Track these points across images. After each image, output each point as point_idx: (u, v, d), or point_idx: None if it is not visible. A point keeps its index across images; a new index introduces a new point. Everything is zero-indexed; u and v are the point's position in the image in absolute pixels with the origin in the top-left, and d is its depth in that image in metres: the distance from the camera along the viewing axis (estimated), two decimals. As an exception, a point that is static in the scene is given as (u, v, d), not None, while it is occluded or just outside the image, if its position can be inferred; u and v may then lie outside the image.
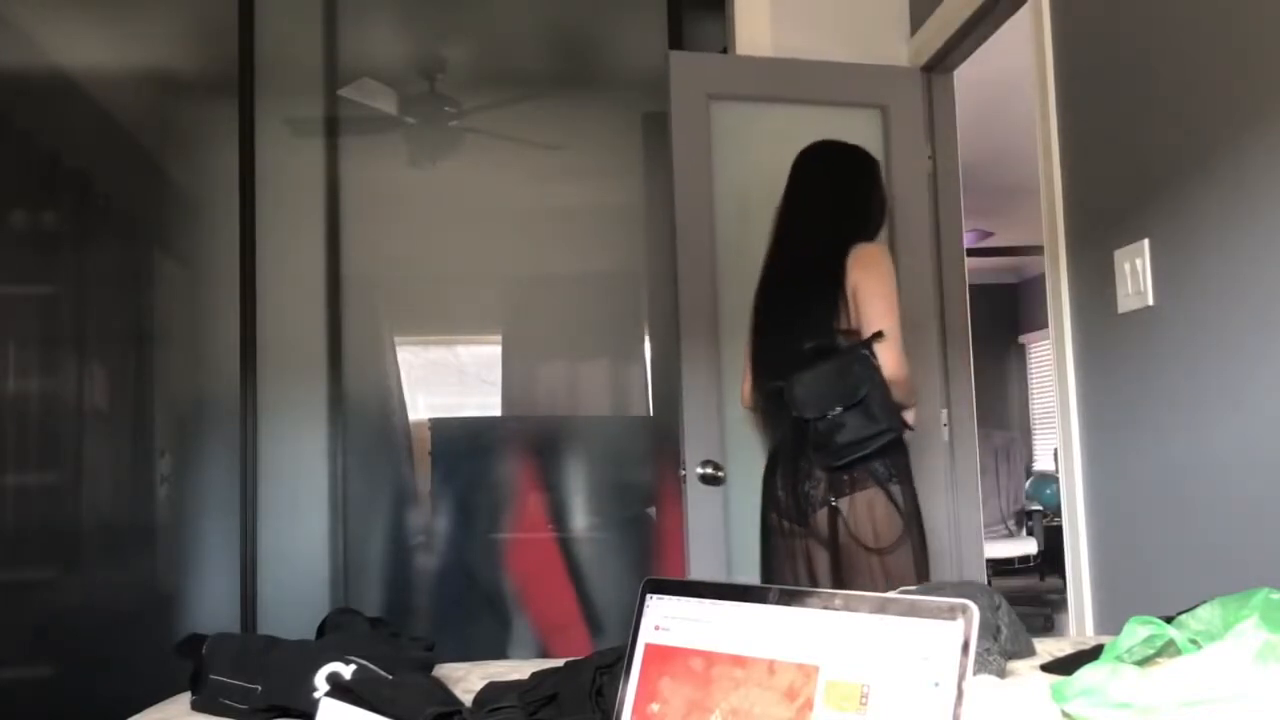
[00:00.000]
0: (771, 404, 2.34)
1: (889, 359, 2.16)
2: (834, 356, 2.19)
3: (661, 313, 3.00)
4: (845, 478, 2.19)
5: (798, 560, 2.27)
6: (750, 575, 2.43)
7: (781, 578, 2.30)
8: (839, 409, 2.15)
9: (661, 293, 2.99)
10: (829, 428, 2.16)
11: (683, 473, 2.61)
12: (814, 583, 2.24)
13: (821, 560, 2.23)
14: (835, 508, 2.18)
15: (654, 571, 2.99)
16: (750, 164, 2.76)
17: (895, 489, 2.19)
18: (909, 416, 2.32)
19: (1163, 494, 1.94)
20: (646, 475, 3.07)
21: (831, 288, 2.23)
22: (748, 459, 2.58)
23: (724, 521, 2.60)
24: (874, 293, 2.21)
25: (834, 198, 2.37)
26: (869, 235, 2.31)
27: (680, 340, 2.65)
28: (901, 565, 2.18)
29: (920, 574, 2.22)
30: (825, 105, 2.87)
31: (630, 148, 3.09)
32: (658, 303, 3.04)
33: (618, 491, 3.06)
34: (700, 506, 2.58)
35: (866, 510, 2.18)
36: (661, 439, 3.01)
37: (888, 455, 2.20)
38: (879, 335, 2.17)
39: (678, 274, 2.68)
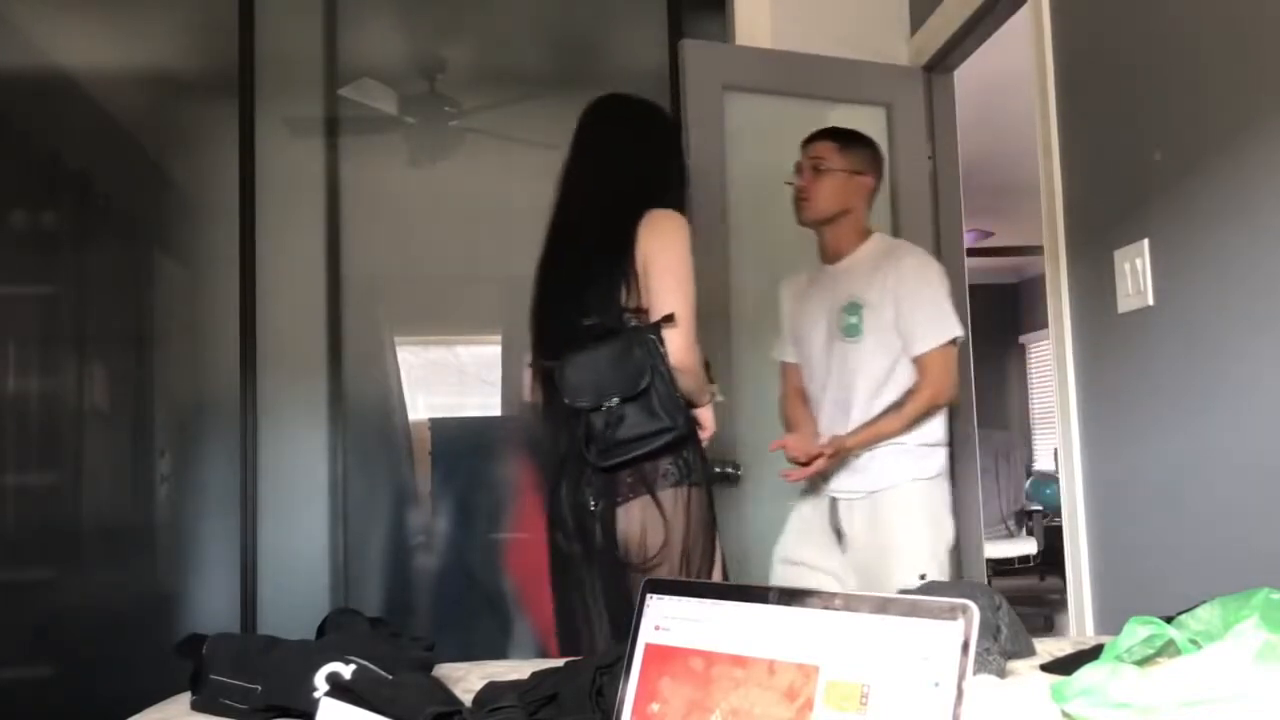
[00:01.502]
0: (552, 392, 2.01)
1: (675, 344, 1.89)
2: (615, 338, 1.91)
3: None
4: (628, 481, 1.92)
5: (585, 589, 1.97)
6: (766, 574, 2.41)
7: (569, 613, 2.00)
8: (616, 400, 1.88)
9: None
10: (605, 421, 1.88)
11: None
12: (603, 617, 1.95)
13: (617, 585, 1.93)
14: (613, 517, 1.91)
15: (654, 571, 2.99)
16: (762, 157, 2.77)
17: (691, 492, 1.93)
18: (704, 416, 2.06)
19: (1163, 494, 1.94)
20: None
21: (618, 258, 1.94)
22: (762, 457, 2.58)
23: (740, 520, 2.60)
24: (665, 268, 1.92)
25: (628, 155, 2.07)
26: (668, 203, 2.02)
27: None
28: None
29: None
30: (833, 101, 2.88)
31: (630, 147, 3.09)
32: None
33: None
34: (717, 506, 2.56)
35: (639, 517, 1.91)
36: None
37: (680, 455, 1.93)
38: (669, 318, 1.89)
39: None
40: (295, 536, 2.87)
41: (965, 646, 0.64)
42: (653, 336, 1.88)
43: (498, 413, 3.12)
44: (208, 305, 2.94)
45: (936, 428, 2.30)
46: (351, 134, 3.06)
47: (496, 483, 3.07)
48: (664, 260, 1.93)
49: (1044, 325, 2.47)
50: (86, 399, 2.88)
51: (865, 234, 2.41)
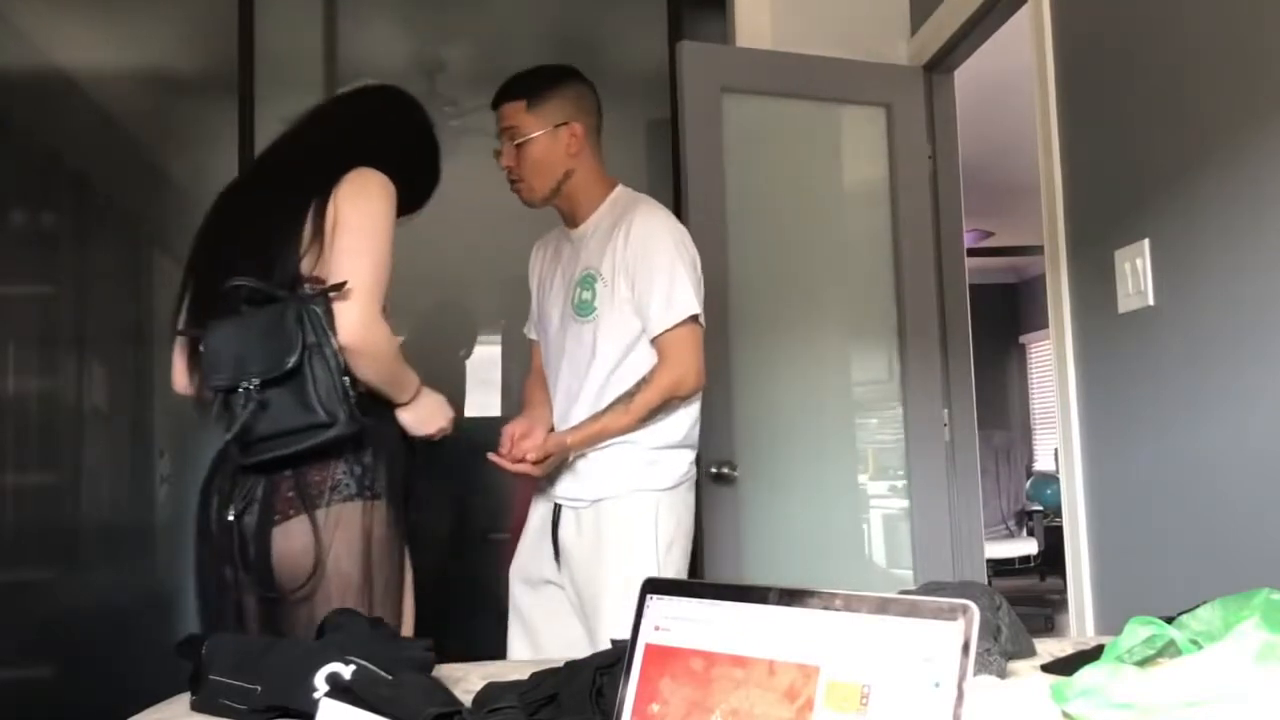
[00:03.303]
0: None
1: (347, 319, 1.54)
2: (272, 305, 1.55)
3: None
4: (288, 495, 1.56)
5: (238, 623, 1.60)
6: (764, 574, 2.40)
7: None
8: (257, 381, 1.52)
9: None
10: (244, 406, 1.52)
11: None
12: None
13: (272, 623, 1.58)
14: (268, 538, 1.56)
15: (654, 571, 2.98)
16: (761, 159, 2.76)
17: (371, 507, 1.61)
18: (413, 417, 1.73)
19: (1163, 494, 1.94)
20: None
21: (300, 207, 1.60)
22: (760, 458, 2.57)
23: (737, 520, 2.61)
24: (354, 227, 1.59)
25: (353, 114, 1.82)
26: (387, 171, 1.69)
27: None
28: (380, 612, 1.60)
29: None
30: (832, 102, 2.88)
31: (630, 147, 3.08)
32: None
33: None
34: (713, 506, 2.57)
35: (302, 539, 1.55)
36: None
37: (358, 461, 1.60)
38: (339, 287, 1.54)
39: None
40: (295, 536, 2.87)
41: (966, 647, 0.64)
42: (317, 308, 1.53)
43: (498, 413, 3.12)
44: (208, 305, 2.93)
45: (677, 427, 1.95)
46: (351, 134, 3.05)
47: (495, 482, 3.06)
48: (354, 219, 1.60)
49: (1044, 325, 2.47)
50: (86, 399, 2.88)
51: (608, 186, 2.06)
